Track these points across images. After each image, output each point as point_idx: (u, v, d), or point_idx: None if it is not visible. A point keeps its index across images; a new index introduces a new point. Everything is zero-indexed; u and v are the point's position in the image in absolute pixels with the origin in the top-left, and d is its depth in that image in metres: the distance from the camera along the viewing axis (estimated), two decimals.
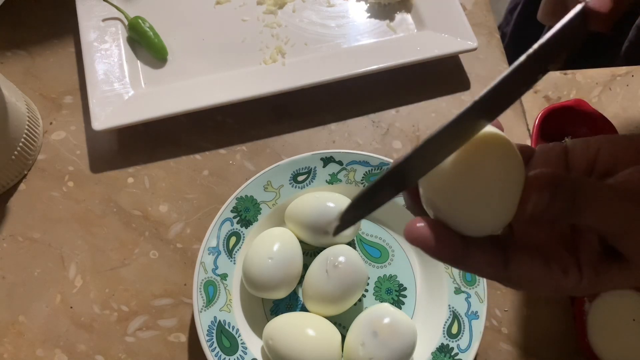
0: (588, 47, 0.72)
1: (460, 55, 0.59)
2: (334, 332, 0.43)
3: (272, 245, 0.44)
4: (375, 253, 0.49)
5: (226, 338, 0.43)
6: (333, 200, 0.46)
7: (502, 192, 0.22)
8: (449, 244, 0.22)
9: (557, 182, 0.21)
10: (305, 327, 0.42)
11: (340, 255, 0.44)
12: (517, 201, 0.22)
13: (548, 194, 0.21)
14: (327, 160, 0.49)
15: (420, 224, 0.22)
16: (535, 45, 0.21)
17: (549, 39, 0.21)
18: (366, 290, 0.48)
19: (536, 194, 0.21)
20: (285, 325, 0.43)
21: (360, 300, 0.47)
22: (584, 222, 0.22)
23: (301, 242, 0.47)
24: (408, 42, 0.57)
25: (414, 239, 0.22)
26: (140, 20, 0.55)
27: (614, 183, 0.24)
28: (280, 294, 0.45)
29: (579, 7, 0.22)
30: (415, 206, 0.25)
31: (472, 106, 0.21)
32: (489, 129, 0.23)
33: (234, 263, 0.46)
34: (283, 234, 0.46)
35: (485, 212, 0.22)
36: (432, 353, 0.44)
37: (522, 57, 0.21)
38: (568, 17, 0.21)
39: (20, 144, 0.50)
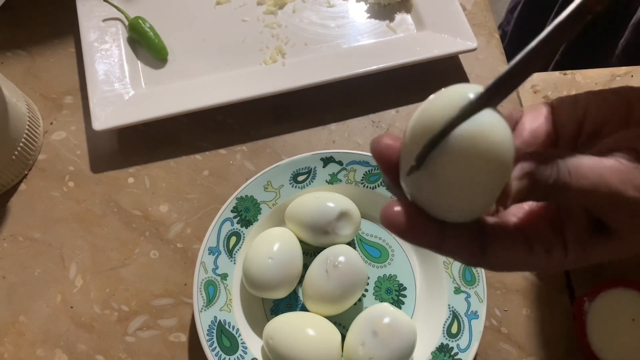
0: (585, 47, 0.72)
1: (460, 55, 0.59)
2: (334, 332, 0.43)
3: (272, 245, 0.44)
4: (375, 253, 0.49)
5: (226, 338, 0.43)
6: (333, 200, 0.46)
7: (487, 178, 0.20)
8: (424, 231, 0.22)
9: (539, 164, 0.20)
10: (305, 327, 0.42)
11: (340, 255, 0.44)
12: (501, 186, 0.20)
13: (527, 181, 0.20)
14: (327, 160, 0.49)
15: (397, 208, 0.21)
16: (547, 30, 0.20)
17: (558, 24, 0.19)
18: (366, 290, 0.48)
19: (516, 182, 0.20)
20: (285, 325, 0.43)
21: (360, 300, 0.47)
22: (568, 202, 0.22)
23: (301, 242, 0.47)
24: (408, 43, 0.57)
25: (389, 224, 0.22)
26: (140, 21, 0.55)
27: (599, 153, 0.23)
28: (280, 293, 0.45)
29: None
30: (394, 186, 0.23)
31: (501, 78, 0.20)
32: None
33: (234, 263, 0.46)
34: (283, 234, 0.46)
35: (466, 198, 0.20)
36: (432, 353, 0.44)
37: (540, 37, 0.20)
38: (572, 6, 0.20)
39: (21, 144, 0.50)
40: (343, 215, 0.46)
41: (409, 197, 0.22)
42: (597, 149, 0.23)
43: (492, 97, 0.20)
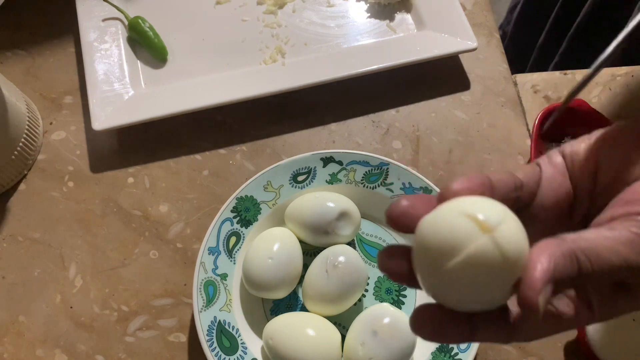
0: (584, 46, 0.72)
1: (460, 55, 0.59)
2: (334, 332, 0.43)
3: (272, 245, 0.44)
4: (375, 253, 0.49)
5: (226, 338, 0.43)
6: (333, 200, 0.46)
7: (506, 280, 0.21)
8: (455, 332, 0.22)
9: (557, 265, 0.21)
10: (305, 327, 0.42)
11: (340, 255, 0.44)
12: (518, 276, 0.21)
13: (551, 286, 0.21)
14: (327, 160, 0.49)
15: (425, 313, 0.22)
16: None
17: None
18: (366, 290, 0.48)
19: (542, 297, 0.21)
20: (285, 325, 0.43)
21: (360, 300, 0.47)
22: (592, 281, 0.22)
23: (301, 242, 0.47)
24: (408, 42, 0.57)
25: (421, 331, 0.22)
26: (140, 20, 0.55)
27: (610, 219, 0.23)
28: (280, 294, 0.45)
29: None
30: (408, 280, 0.24)
31: None
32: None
33: (234, 263, 0.46)
34: (283, 234, 0.46)
35: (490, 296, 0.21)
36: (432, 353, 0.44)
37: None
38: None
39: (20, 144, 0.50)
40: (343, 215, 0.46)
41: (426, 291, 0.23)
42: (610, 214, 0.23)
43: None
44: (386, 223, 0.23)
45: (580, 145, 0.26)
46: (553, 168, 0.26)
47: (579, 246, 0.22)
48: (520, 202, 0.25)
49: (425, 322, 0.22)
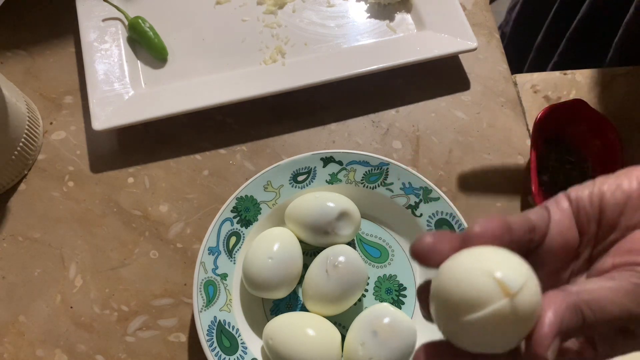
0: (583, 46, 0.72)
1: (460, 55, 0.59)
2: (333, 332, 0.43)
3: (272, 245, 0.44)
4: (375, 253, 0.49)
5: (226, 338, 0.43)
6: (333, 200, 0.46)
7: (518, 334, 0.23)
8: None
9: (564, 320, 0.23)
10: (305, 327, 0.42)
11: (340, 255, 0.44)
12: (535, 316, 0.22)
13: (559, 339, 0.22)
14: (327, 160, 0.49)
15: (434, 349, 0.24)
16: None
17: None
18: (366, 290, 0.48)
19: (551, 353, 0.22)
20: (285, 325, 0.43)
21: (360, 300, 0.47)
22: (596, 331, 0.24)
23: (301, 242, 0.47)
24: (408, 42, 0.57)
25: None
26: (140, 20, 0.55)
27: (612, 267, 0.25)
28: (280, 293, 0.45)
29: None
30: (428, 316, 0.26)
31: None
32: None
33: (234, 263, 0.46)
34: (283, 234, 0.46)
35: (501, 345, 0.23)
36: None
37: None
38: None
39: (20, 144, 0.50)
40: (343, 215, 0.46)
41: (440, 330, 0.24)
42: (611, 262, 0.25)
43: None
44: (410, 256, 0.26)
45: (584, 192, 0.27)
46: (560, 212, 0.27)
47: (582, 299, 0.23)
48: (532, 243, 0.26)
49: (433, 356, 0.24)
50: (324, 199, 0.46)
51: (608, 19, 0.67)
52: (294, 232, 0.47)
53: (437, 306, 0.23)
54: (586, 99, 0.52)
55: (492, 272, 0.22)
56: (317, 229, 0.46)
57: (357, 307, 0.46)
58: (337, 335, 0.43)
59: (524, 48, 0.83)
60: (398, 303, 0.47)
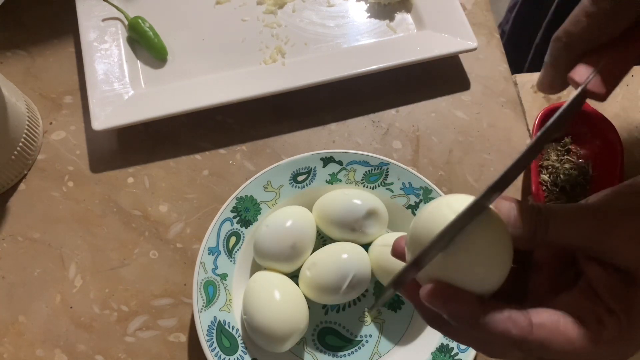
0: None
1: (460, 55, 0.59)
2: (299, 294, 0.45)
3: (285, 222, 0.46)
4: None
5: (226, 338, 0.43)
6: (362, 198, 0.46)
7: (503, 250, 0.25)
8: (462, 299, 0.24)
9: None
10: (273, 290, 0.43)
11: (355, 272, 0.44)
12: (510, 258, 0.25)
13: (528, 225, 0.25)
14: (327, 160, 0.49)
15: (430, 286, 0.24)
16: (545, 126, 0.23)
17: (556, 119, 0.23)
18: (366, 291, 0.48)
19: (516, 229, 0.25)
20: (253, 296, 0.43)
21: (360, 300, 0.47)
22: (560, 240, 0.25)
23: (327, 236, 0.48)
24: (408, 42, 0.57)
25: (429, 299, 0.24)
26: (140, 20, 0.55)
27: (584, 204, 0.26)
28: (287, 267, 0.46)
29: (580, 89, 0.26)
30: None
31: (492, 185, 0.23)
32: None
33: (234, 263, 0.46)
34: (299, 212, 0.47)
35: (490, 270, 0.25)
36: (432, 353, 0.44)
37: (534, 138, 0.23)
38: (571, 98, 0.25)
39: (20, 144, 0.50)
40: (371, 214, 0.46)
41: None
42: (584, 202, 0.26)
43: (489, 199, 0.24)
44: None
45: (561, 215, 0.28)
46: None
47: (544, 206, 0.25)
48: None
49: (432, 289, 0.24)
50: (353, 196, 0.47)
51: None
52: (320, 226, 0.48)
53: (410, 246, 0.26)
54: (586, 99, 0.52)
55: (450, 203, 0.25)
56: (344, 225, 0.46)
57: (357, 307, 0.46)
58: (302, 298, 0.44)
59: (524, 47, 0.83)
60: (398, 303, 0.47)
